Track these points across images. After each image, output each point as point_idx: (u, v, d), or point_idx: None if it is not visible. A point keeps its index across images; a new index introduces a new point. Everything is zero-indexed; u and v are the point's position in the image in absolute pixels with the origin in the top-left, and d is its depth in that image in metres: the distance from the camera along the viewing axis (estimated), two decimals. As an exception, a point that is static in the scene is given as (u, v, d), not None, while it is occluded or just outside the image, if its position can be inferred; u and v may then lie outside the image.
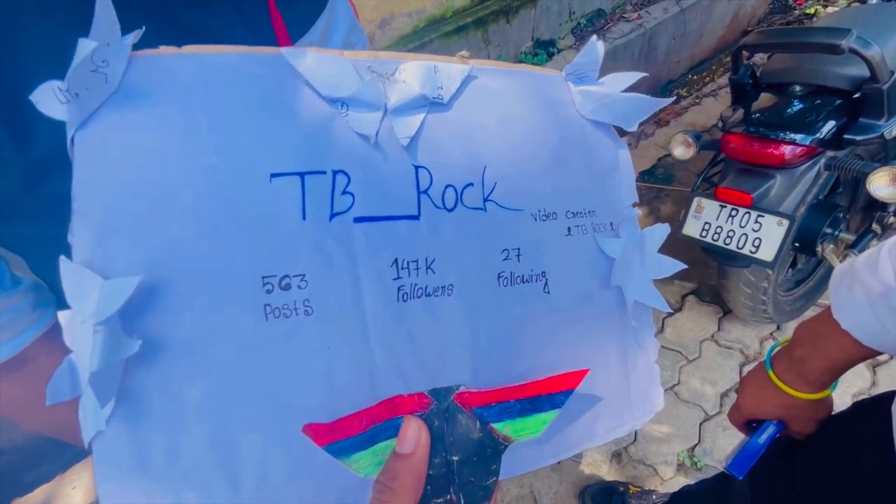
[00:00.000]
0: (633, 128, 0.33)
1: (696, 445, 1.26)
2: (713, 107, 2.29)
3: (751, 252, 1.10)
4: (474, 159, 0.30)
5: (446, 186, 0.29)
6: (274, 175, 0.25)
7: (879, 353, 0.48)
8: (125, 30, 0.22)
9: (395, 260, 0.27)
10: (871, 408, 0.54)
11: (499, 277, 0.30)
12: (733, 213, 1.12)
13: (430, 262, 0.28)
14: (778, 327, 1.46)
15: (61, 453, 1.39)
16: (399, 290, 0.27)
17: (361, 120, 0.26)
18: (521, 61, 1.93)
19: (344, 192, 0.26)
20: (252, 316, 0.24)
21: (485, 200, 0.30)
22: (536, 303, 0.31)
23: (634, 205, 0.36)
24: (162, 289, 0.22)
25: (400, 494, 0.24)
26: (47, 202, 0.37)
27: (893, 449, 0.44)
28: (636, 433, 1.30)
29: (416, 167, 0.28)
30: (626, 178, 0.35)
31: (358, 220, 0.26)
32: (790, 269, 1.39)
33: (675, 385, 1.39)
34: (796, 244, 1.15)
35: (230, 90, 0.24)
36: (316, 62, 0.25)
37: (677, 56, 2.40)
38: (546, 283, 0.31)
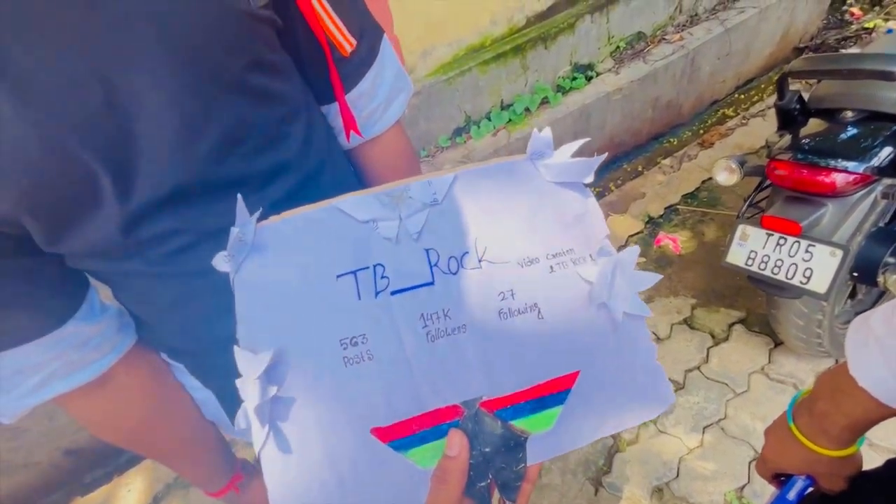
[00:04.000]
0: (589, 180, 0.43)
1: (745, 486, 1.20)
2: (761, 127, 2.21)
3: (801, 283, 1.05)
4: (466, 234, 0.42)
5: (450, 258, 0.41)
6: (338, 275, 0.39)
7: None
8: None
9: (422, 314, 0.39)
10: None
11: (500, 313, 0.40)
12: (781, 241, 1.08)
13: (446, 311, 0.40)
14: (836, 361, 1.37)
15: (118, 456, 1.49)
16: (427, 334, 0.39)
17: (386, 228, 0.40)
18: (559, 87, 1.95)
19: (382, 277, 0.40)
20: (338, 365, 0.37)
21: (479, 261, 0.41)
22: (533, 327, 0.40)
23: (608, 237, 0.44)
24: (284, 356, 0.37)
25: (451, 483, 0.36)
26: (140, 244, 0.42)
27: None
28: (678, 469, 1.25)
29: (427, 249, 0.41)
30: (596, 219, 0.44)
31: (394, 292, 0.39)
32: (849, 300, 1.31)
33: (721, 419, 1.32)
34: (855, 274, 1.09)
35: (307, 233, 0.40)
36: (355, 203, 0.40)
37: (722, 76, 2.35)
38: (539, 312, 0.41)
